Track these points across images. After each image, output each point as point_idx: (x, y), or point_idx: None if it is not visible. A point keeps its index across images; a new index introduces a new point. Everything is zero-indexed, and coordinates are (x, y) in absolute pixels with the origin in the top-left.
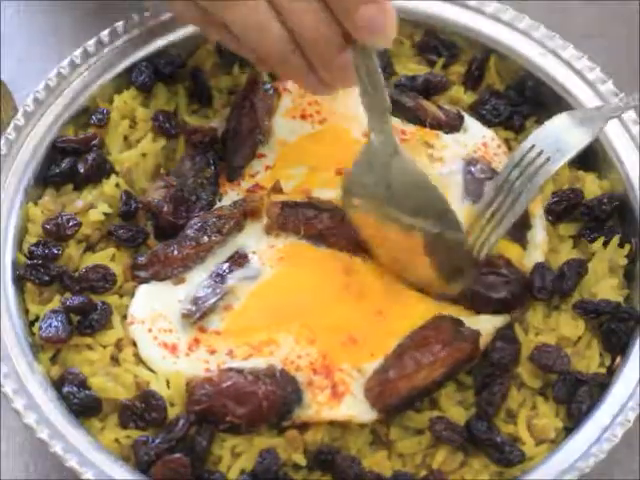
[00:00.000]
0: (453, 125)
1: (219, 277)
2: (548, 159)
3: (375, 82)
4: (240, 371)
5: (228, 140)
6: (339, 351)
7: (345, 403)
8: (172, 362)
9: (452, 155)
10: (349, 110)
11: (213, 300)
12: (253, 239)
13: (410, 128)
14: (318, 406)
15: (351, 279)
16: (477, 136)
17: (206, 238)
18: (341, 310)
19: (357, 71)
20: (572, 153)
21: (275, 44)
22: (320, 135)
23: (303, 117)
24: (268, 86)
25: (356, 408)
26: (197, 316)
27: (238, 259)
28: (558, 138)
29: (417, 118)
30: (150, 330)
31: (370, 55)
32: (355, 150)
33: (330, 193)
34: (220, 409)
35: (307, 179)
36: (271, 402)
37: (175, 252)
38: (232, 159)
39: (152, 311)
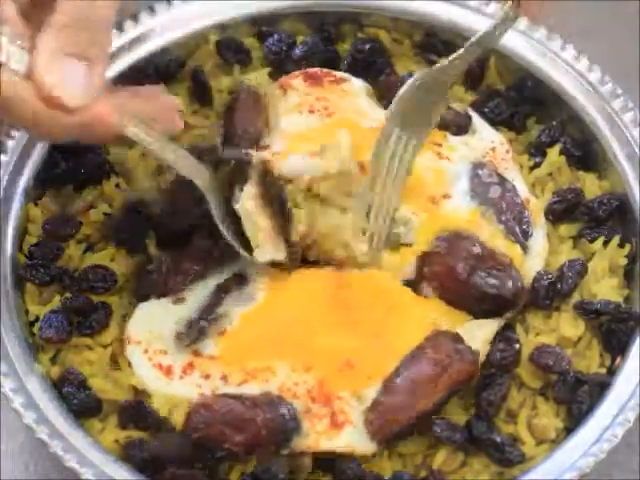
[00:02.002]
0: (461, 126)
1: (216, 298)
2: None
3: None
4: (238, 397)
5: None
6: (337, 377)
7: (345, 433)
8: (166, 384)
9: (459, 157)
10: (356, 106)
11: (207, 322)
12: (252, 263)
13: None
14: (317, 435)
15: (344, 293)
16: (486, 140)
17: (213, 255)
18: (336, 333)
19: None
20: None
21: None
22: (328, 126)
23: (311, 112)
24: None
25: (356, 439)
26: (190, 339)
27: (237, 280)
28: None
29: None
30: (146, 351)
31: None
32: (365, 138)
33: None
34: (218, 436)
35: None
36: (270, 430)
37: (181, 265)
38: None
39: (149, 332)
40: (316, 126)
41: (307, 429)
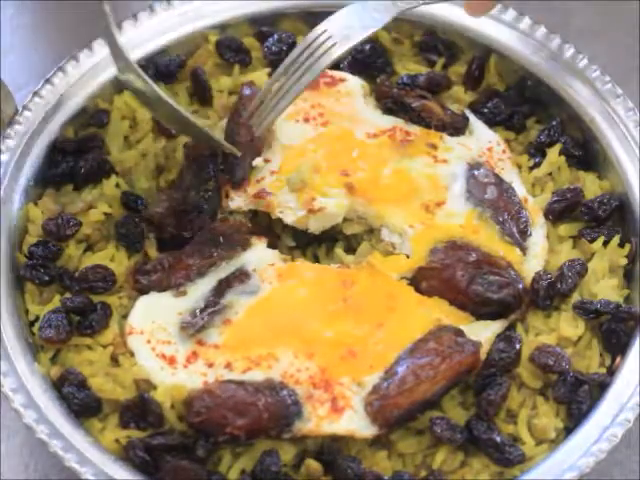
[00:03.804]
0: (458, 127)
1: (219, 291)
2: (334, 44)
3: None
4: (240, 383)
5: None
6: (338, 365)
7: (345, 417)
8: (170, 373)
9: (456, 158)
10: (352, 111)
11: (211, 312)
12: (256, 257)
13: (414, 129)
14: (318, 419)
15: (349, 291)
16: (482, 140)
17: (214, 252)
18: (340, 324)
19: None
20: (357, 39)
21: None
22: (323, 137)
23: (306, 120)
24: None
25: (356, 423)
26: (195, 329)
27: (239, 275)
28: (347, 25)
29: (422, 119)
30: (149, 341)
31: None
32: (359, 150)
33: (334, 199)
34: (220, 420)
35: (312, 181)
36: (271, 414)
37: (182, 261)
38: (234, 173)
39: (151, 322)
40: (311, 136)
41: (308, 413)
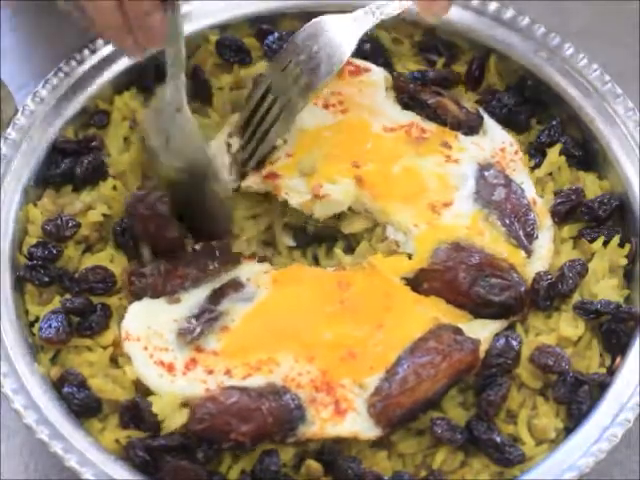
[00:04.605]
0: (473, 126)
1: (214, 300)
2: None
3: (178, 40)
4: (243, 389)
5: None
6: (339, 367)
7: (349, 419)
8: (169, 381)
9: (468, 158)
10: (373, 103)
11: (208, 319)
12: (249, 269)
13: (430, 127)
14: (322, 422)
15: (346, 293)
16: (496, 140)
17: (210, 264)
18: (338, 326)
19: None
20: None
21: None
22: (339, 126)
23: (325, 106)
24: None
25: (360, 424)
26: (193, 335)
27: (233, 285)
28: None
29: (437, 116)
30: (146, 348)
31: (176, 14)
32: (373, 143)
33: (341, 187)
34: (223, 427)
35: (322, 168)
36: (276, 418)
37: (178, 269)
38: (250, 157)
39: (147, 329)
40: (327, 123)
41: (312, 417)
